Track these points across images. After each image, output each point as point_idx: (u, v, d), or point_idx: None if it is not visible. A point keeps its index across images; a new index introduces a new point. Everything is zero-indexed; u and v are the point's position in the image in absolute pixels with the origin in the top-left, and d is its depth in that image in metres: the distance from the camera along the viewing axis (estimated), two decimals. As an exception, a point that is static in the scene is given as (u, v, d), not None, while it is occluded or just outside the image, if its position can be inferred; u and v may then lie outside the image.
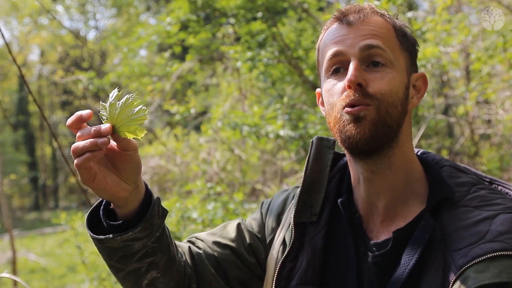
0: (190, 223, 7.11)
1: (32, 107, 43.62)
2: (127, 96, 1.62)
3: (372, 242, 1.80)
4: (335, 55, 1.78)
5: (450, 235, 1.63)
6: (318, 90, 1.97)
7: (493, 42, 8.20)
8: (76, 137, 1.60)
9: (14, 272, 10.63)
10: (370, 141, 1.71)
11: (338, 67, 1.79)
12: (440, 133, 11.85)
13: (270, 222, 2.08)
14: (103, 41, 16.42)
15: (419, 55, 6.49)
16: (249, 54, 7.36)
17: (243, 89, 9.67)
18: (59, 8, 38.18)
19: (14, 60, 3.17)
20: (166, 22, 9.00)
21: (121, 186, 1.70)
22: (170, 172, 11.34)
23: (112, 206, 1.80)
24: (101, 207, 1.80)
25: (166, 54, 11.11)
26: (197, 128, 13.36)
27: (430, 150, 7.98)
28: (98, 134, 1.57)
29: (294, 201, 1.96)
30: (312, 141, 2.01)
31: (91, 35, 46.54)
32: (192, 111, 9.24)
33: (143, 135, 1.61)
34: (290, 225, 1.93)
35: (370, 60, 1.75)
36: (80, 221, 7.95)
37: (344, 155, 2.02)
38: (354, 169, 1.89)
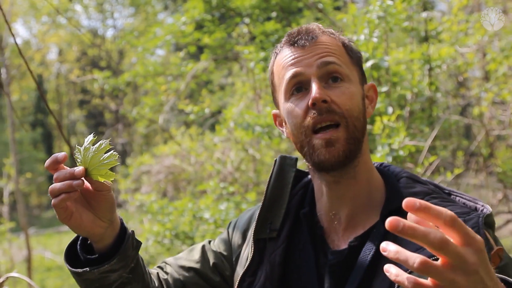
0: (202, 223, 7.14)
1: (51, 106, 43.88)
2: (100, 141, 1.71)
3: (330, 250, 1.84)
4: (294, 76, 1.81)
5: (401, 241, 1.60)
6: (274, 111, 2.01)
7: (509, 43, 8.16)
8: (54, 179, 1.68)
9: (29, 270, 10.69)
10: (344, 160, 1.76)
11: (299, 87, 1.82)
12: (456, 134, 11.81)
13: (235, 239, 2.13)
14: (120, 40, 16.47)
15: (435, 55, 6.44)
16: (262, 54, 7.35)
17: (257, 89, 9.65)
18: (78, 7, 38.34)
19: (27, 65, 3.18)
20: (181, 21, 9.01)
21: (96, 223, 1.78)
22: (184, 172, 11.37)
23: (89, 241, 1.88)
24: (78, 242, 1.89)
25: (181, 54, 11.13)
26: (212, 128, 13.36)
27: (444, 152, 7.94)
28: (72, 177, 1.65)
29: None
30: (276, 160, 2.04)
31: (109, 34, 46.71)
32: (206, 111, 9.23)
33: (112, 179, 1.70)
34: (250, 241, 1.97)
35: (329, 77, 1.80)
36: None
37: (307, 173, 2.08)
38: (318, 182, 1.92)
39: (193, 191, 10.29)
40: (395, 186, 1.86)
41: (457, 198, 1.82)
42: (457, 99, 11.11)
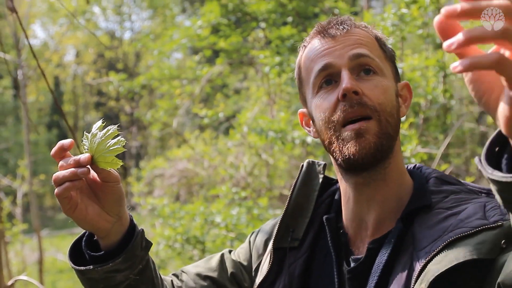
0: (213, 228, 7.13)
1: (67, 107, 44.07)
2: (108, 127, 1.64)
3: (352, 257, 1.74)
4: (324, 68, 1.71)
5: (417, 236, 1.59)
6: (300, 110, 1.90)
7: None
8: (58, 167, 1.61)
9: (40, 272, 10.71)
10: (375, 154, 1.65)
11: (328, 79, 1.72)
12: (471, 142, 11.72)
13: (256, 249, 2.03)
14: (135, 43, 16.53)
15: (450, 62, 6.39)
16: (277, 59, 7.33)
17: (272, 94, 9.64)
18: (96, 9, 38.52)
19: (40, 69, 3.17)
20: (197, 25, 9.02)
21: (103, 217, 1.69)
22: (197, 176, 11.36)
23: (95, 237, 1.78)
24: (84, 238, 1.79)
25: (196, 57, 11.15)
26: (227, 132, 13.38)
27: (458, 159, 7.88)
28: (78, 164, 1.58)
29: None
30: (302, 165, 1.94)
31: (126, 36, 46.85)
32: (221, 115, 9.23)
33: (119, 166, 1.62)
34: (269, 250, 1.88)
35: (360, 69, 1.70)
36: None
37: (336, 181, 1.94)
38: (345, 185, 1.80)
39: (206, 195, 10.29)
40: (422, 187, 1.75)
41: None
42: (473, 106, 11.05)
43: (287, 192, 10.35)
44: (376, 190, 1.73)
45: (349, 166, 1.70)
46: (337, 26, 1.75)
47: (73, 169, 1.57)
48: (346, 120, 1.65)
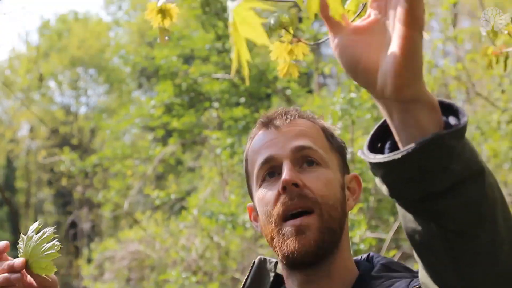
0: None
1: (20, 183, 43.49)
2: (44, 230, 1.58)
3: None
4: (267, 161, 1.67)
5: None
6: (249, 205, 1.83)
7: (471, 133, 8.21)
8: None
9: None
10: (316, 252, 1.58)
11: (271, 172, 1.67)
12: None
13: None
14: (89, 122, 16.52)
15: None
16: (229, 140, 7.31)
17: (224, 175, 9.60)
18: (52, 83, 38.49)
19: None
20: (150, 105, 9.01)
21: None
22: (149, 258, 11.18)
23: None
24: None
25: (149, 137, 11.10)
26: (180, 212, 13.28)
27: (406, 243, 7.84)
28: (11, 269, 1.52)
29: None
30: (254, 261, 1.82)
31: (82, 110, 46.79)
32: (172, 196, 9.14)
33: (53, 272, 1.55)
34: None
35: (303, 161, 1.66)
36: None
37: None
38: (290, 281, 1.71)
39: (156, 280, 10.08)
40: (365, 278, 1.69)
41: None
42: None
43: (239, 276, 10.20)
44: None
45: (290, 264, 1.64)
46: (281, 117, 1.73)
47: (6, 274, 1.52)
48: (286, 214, 1.60)
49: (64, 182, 35.33)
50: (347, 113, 6.21)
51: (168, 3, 2.27)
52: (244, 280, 1.80)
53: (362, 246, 5.29)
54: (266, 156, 1.67)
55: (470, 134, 8.12)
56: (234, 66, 0.90)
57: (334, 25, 1.05)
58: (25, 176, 44.90)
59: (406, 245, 9.21)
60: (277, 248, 1.62)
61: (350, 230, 5.12)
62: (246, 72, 0.92)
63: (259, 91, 8.57)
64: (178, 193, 10.61)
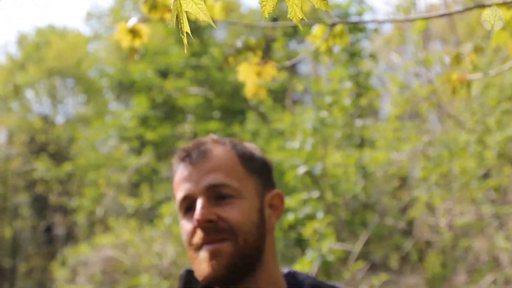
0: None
1: (-4, 189, 43.13)
2: None
3: None
4: (184, 199, 1.79)
5: None
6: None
7: (440, 152, 8.45)
8: None
9: None
10: (228, 275, 1.71)
11: (189, 207, 1.79)
12: (396, 234, 11.99)
13: None
14: (65, 131, 16.59)
15: (371, 161, 6.63)
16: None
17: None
18: (29, 93, 38.38)
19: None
20: (125, 116, 9.16)
21: None
22: (122, 263, 11.30)
23: None
24: None
25: (124, 148, 11.25)
26: (154, 220, 13.42)
27: (375, 255, 8.08)
28: None
29: None
30: (181, 275, 1.89)
31: (60, 119, 46.53)
32: (145, 205, 9.31)
33: None
34: None
35: (217, 196, 1.76)
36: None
37: None
38: None
39: (129, 285, 10.21)
40: None
41: None
42: (395, 200, 11.37)
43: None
44: None
45: (207, 285, 1.77)
46: (196, 151, 1.82)
47: None
48: (203, 244, 1.73)
49: (39, 188, 35.21)
50: (318, 131, 6.37)
51: (139, 23, 2.44)
52: None
53: (330, 258, 5.45)
54: (183, 194, 1.78)
55: (440, 153, 8.38)
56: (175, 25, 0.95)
57: None
58: (2, 181, 44.60)
59: (376, 255, 9.46)
60: (196, 271, 1.76)
61: (318, 241, 5.35)
62: (185, 41, 1.00)
63: (233, 106, 8.77)
64: (152, 202, 10.76)
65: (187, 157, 1.83)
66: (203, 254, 1.72)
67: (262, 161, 1.90)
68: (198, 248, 1.74)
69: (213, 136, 1.88)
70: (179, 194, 1.81)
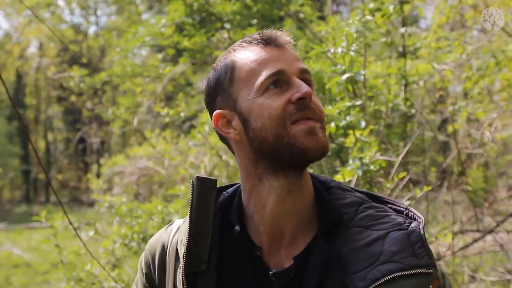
0: (170, 227, 7.10)
1: (29, 100, 43.56)
2: None
3: (271, 272, 1.70)
4: (278, 73, 1.70)
5: (346, 257, 1.63)
6: (218, 111, 1.78)
7: (485, 62, 8.21)
8: None
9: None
10: (325, 153, 1.68)
11: (276, 83, 1.70)
12: (433, 150, 11.85)
13: (153, 277, 1.93)
14: (98, 39, 16.43)
15: (412, 71, 6.46)
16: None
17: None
18: (61, 2, 38.28)
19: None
20: (161, 23, 8.98)
21: None
22: (157, 174, 11.33)
23: None
24: None
25: (160, 56, 11.08)
26: (189, 131, 13.37)
27: (416, 167, 7.96)
28: None
29: (181, 250, 1.79)
30: (193, 183, 1.78)
31: (92, 30, 46.54)
32: (182, 114, 9.21)
33: None
34: (182, 276, 1.76)
35: (304, 81, 1.72)
36: (60, 219, 7.90)
37: (222, 189, 1.91)
38: (267, 190, 1.74)
39: (165, 195, 10.23)
40: (327, 198, 1.77)
41: (388, 206, 1.77)
42: (435, 114, 11.18)
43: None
44: (295, 200, 1.73)
45: (299, 162, 1.68)
46: (281, 37, 1.76)
47: None
48: (298, 118, 1.66)
49: (73, 99, 35.43)
50: (362, 35, 6.22)
51: None
52: (190, 204, 1.79)
53: (372, 167, 5.36)
54: (278, 68, 1.70)
55: (485, 63, 8.14)
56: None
57: None
58: (35, 93, 45.00)
59: (414, 170, 9.34)
60: (286, 147, 1.65)
61: (360, 151, 5.23)
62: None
63: (271, 13, 8.52)
64: (188, 112, 10.68)
65: (273, 40, 1.76)
66: (302, 127, 1.66)
67: None
68: (291, 123, 1.66)
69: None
70: (267, 69, 1.70)
